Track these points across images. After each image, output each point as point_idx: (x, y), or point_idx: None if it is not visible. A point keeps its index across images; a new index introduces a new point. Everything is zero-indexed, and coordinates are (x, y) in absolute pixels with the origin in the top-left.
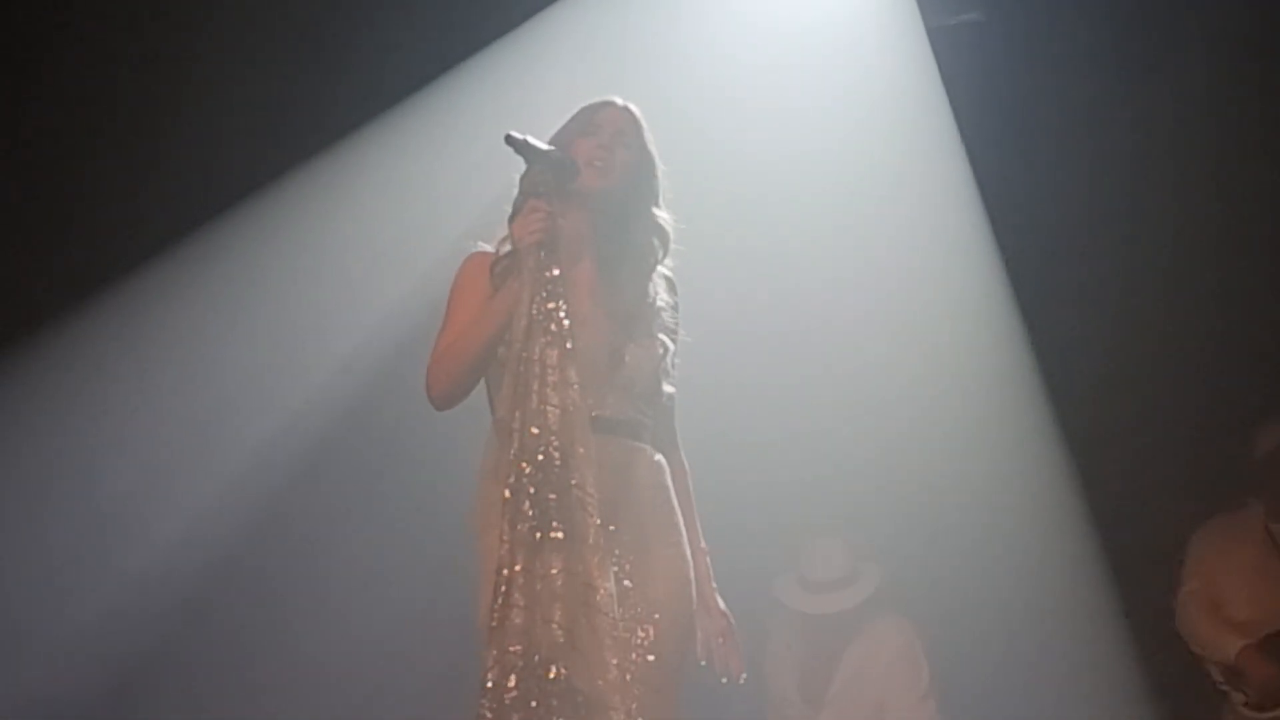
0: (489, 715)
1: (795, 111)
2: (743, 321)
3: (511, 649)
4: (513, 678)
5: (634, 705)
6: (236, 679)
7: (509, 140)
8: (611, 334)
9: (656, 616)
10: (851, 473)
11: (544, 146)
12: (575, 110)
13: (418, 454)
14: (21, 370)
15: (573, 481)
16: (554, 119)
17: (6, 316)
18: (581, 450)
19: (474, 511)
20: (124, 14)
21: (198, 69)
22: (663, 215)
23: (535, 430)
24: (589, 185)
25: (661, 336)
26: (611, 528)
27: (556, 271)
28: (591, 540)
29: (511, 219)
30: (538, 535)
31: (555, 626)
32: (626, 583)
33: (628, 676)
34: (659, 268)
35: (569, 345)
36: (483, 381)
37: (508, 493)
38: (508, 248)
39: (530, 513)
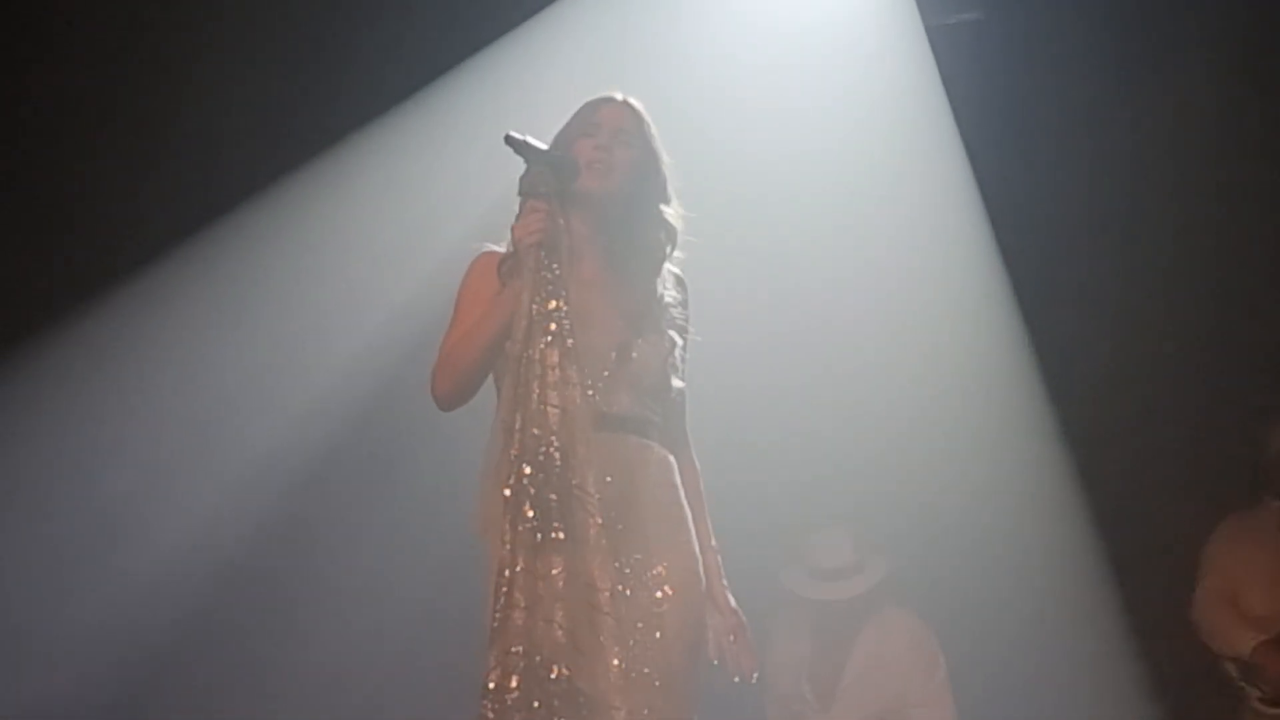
0: (491, 716)
1: (794, 110)
2: (743, 321)
3: (513, 650)
4: (514, 678)
5: (638, 705)
6: (239, 680)
7: (508, 140)
8: (619, 330)
9: (665, 615)
10: (853, 472)
11: (543, 147)
12: (577, 108)
13: (422, 455)
14: (23, 372)
15: (574, 482)
16: (554, 119)
17: (9, 317)
18: (582, 450)
19: (476, 513)
20: (126, 14)
21: (198, 69)
22: (670, 211)
23: (536, 430)
24: (589, 188)
25: (670, 333)
26: (619, 526)
27: (556, 271)
28: (593, 540)
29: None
30: (539, 536)
31: (557, 627)
32: (632, 582)
33: (633, 676)
34: (668, 264)
35: (569, 344)
36: (491, 382)
37: (508, 493)
38: None
39: (531, 513)
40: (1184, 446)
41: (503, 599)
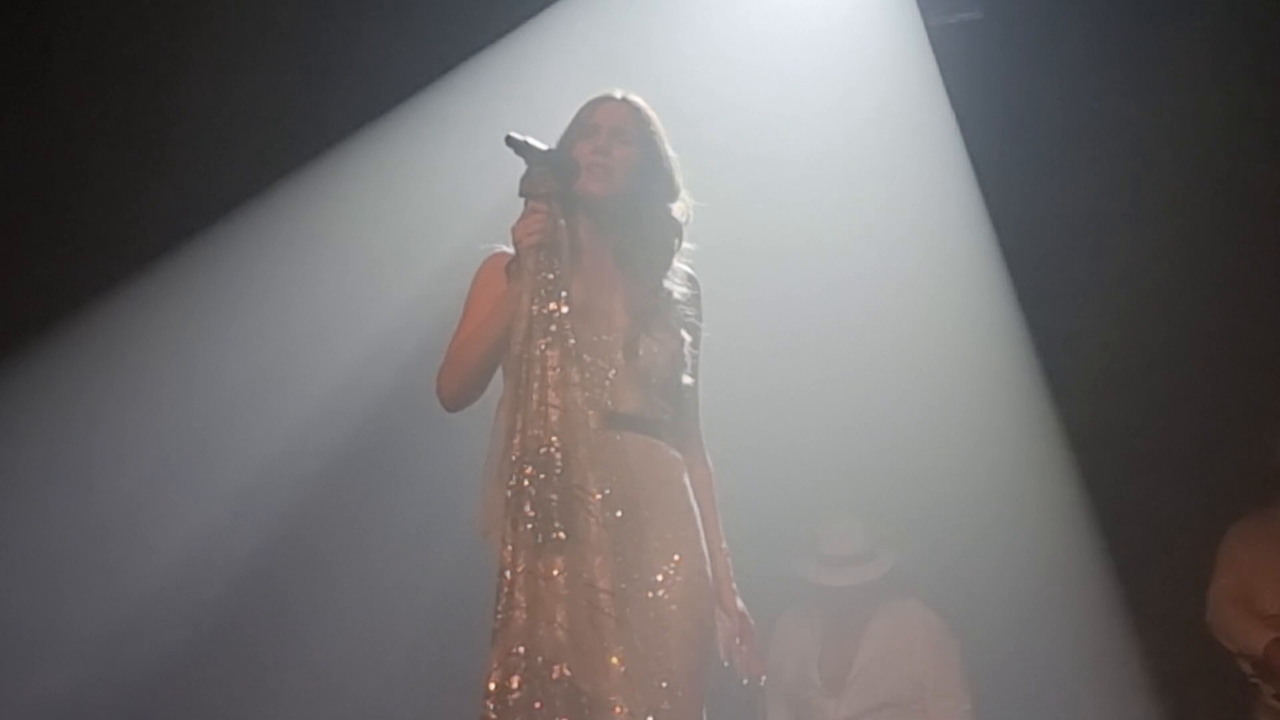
0: (493, 716)
1: (794, 110)
2: (745, 320)
3: (514, 650)
4: (516, 679)
5: (641, 706)
6: (242, 683)
7: (509, 141)
8: (626, 328)
9: (669, 616)
10: (858, 472)
11: (543, 147)
12: (578, 108)
13: (426, 457)
14: (24, 375)
15: (574, 482)
16: (554, 120)
17: (12, 320)
18: (584, 451)
19: (478, 515)
20: (126, 17)
21: (198, 71)
22: (677, 206)
23: (536, 431)
24: (590, 191)
25: (679, 329)
26: (622, 526)
27: (557, 272)
28: (594, 541)
29: None
30: (539, 537)
31: (558, 627)
32: (635, 582)
33: (636, 677)
34: (679, 260)
35: (570, 345)
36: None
37: (510, 494)
38: None
39: (532, 514)
40: (1187, 445)
41: (504, 600)
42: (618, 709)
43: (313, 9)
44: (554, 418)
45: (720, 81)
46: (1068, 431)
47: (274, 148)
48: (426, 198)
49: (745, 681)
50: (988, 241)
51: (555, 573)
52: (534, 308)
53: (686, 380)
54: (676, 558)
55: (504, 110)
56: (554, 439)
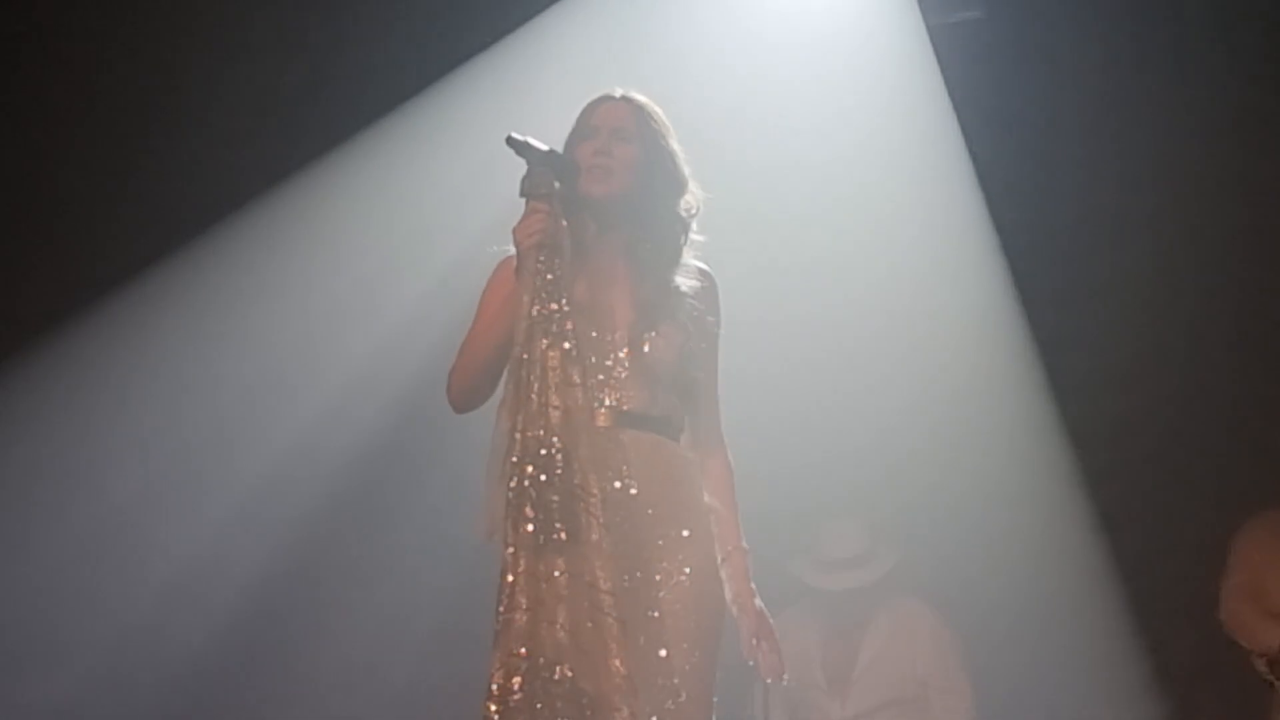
0: (496, 717)
1: (795, 109)
2: (746, 320)
3: (516, 651)
4: (517, 680)
5: (643, 707)
6: (249, 684)
7: (510, 142)
8: (630, 324)
9: (673, 616)
10: (863, 472)
11: (544, 147)
12: (579, 110)
13: (430, 458)
14: (26, 376)
15: (575, 482)
16: (553, 121)
17: (24, 319)
18: (585, 451)
19: (481, 516)
20: (125, 17)
21: (199, 73)
22: (684, 200)
23: (537, 432)
24: (591, 193)
25: (686, 324)
26: (624, 526)
27: (558, 272)
28: (595, 541)
29: None
30: (540, 537)
31: (559, 628)
32: (639, 582)
33: (638, 678)
34: (690, 256)
35: (571, 345)
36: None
37: (510, 495)
38: None
39: (533, 515)
40: (1190, 445)
41: (505, 601)
42: (620, 710)
43: (315, 10)
44: (555, 418)
45: (719, 82)
46: (1071, 430)
47: (275, 149)
48: (428, 199)
49: (769, 681)
50: (989, 240)
51: (556, 573)
52: (535, 308)
53: (697, 375)
54: (681, 557)
55: (506, 111)
56: (555, 439)
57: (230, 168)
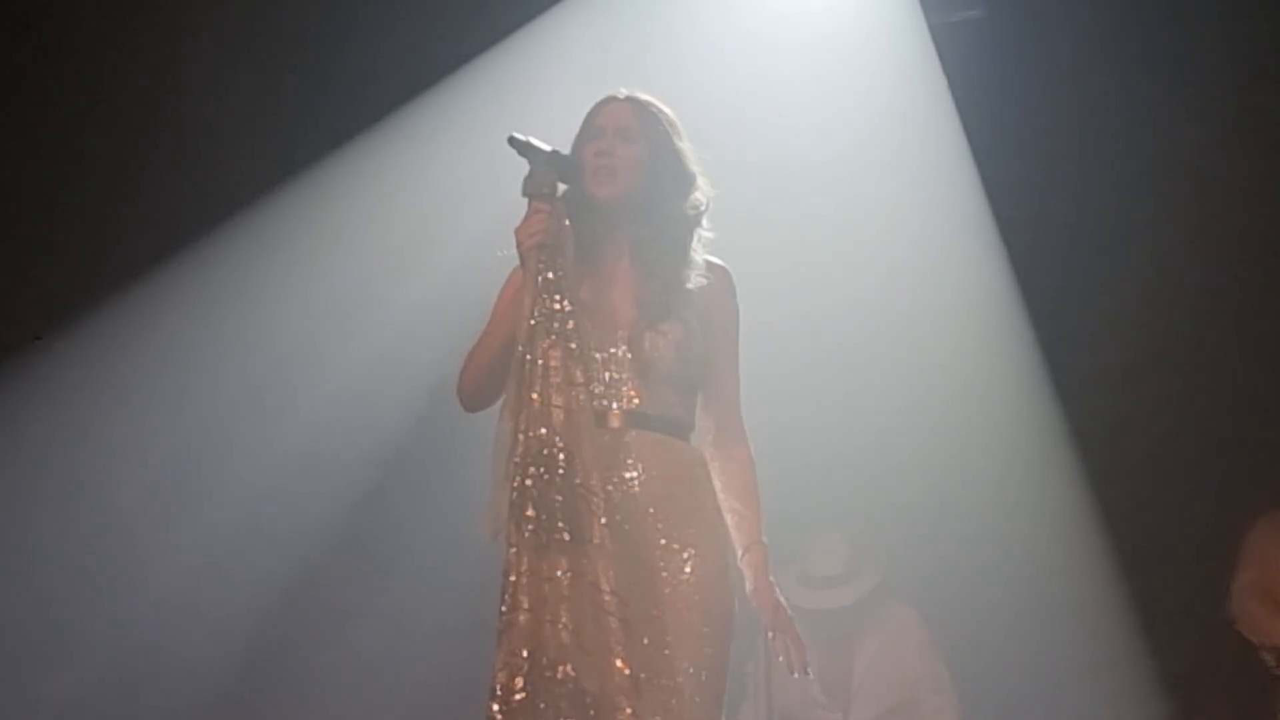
0: (499, 718)
1: (797, 108)
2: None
3: (518, 651)
4: (519, 680)
5: (646, 707)
6: (248, 686)
7: (511, 142)
8: (631, 323)
9: (678, 616)
10: (865, 472)
11: (546, 147)
12: (579, 110)
13: (433, 458)
14: (28, 378)
15: (577, 481)
16: (555, 121)
17: (36, 317)
18: (588, 451)
19: (486, 517)
20: (124, 18)
21: (207, 69)
22: (692, 198)
23: (539, 432)
24: (596, 195)
25: (693, 321)
26: (625, 526)
27: (560, 272)
28: (598, 541)
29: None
30: (543, 537)
31: (562, 628)
32: (641, 582)
33: (642, 677)
34: (699, 252)
35: (573, 345)
36: None
37: (514, 495)
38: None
39: (535, 515)
40: (1191, 444)
41: (508, 601)
42: (623, 710)
43: (317, 10)
44: (557, 418)
45: (720, 82)
46: (1073, 429)
47: (278, 149)
48: (431, 198)
49: (796, 675)
50: (990, 238)
51: (559, 573)
52: (536, 308)
53: (699, 373)
54: (686, 556)
55: (507, 111)
56: (558, 439)
57: (233, 169)
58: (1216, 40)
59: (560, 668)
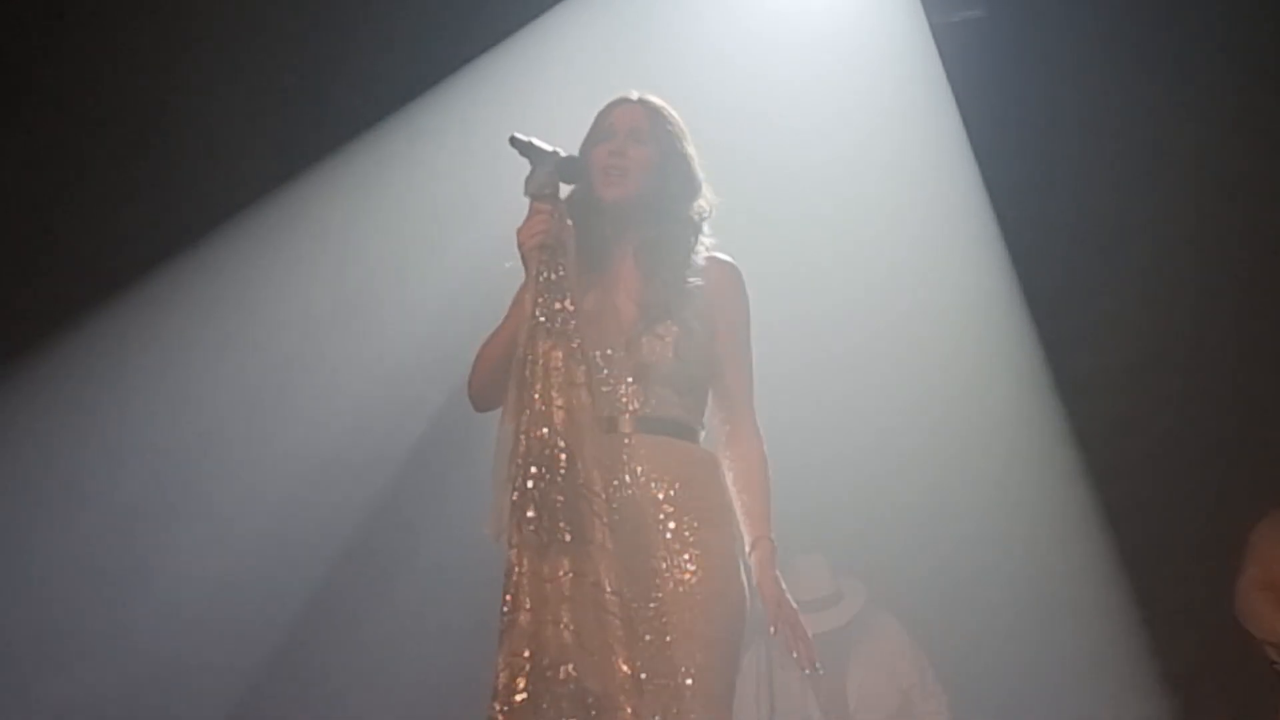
0: (500, 718)
1: (799, 107)
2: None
3: (519, 652)
4: (521, 680)
5: (648, 707)
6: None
7: (513, 142)
8: (631, 325)
9: (680, 615)
10: (863, 470)
11: (547, 147)
12: (578, 111)
13: (437, 458)
14: (31, 379)
15: (579, 482)
16: (556, 122)
17: (19, 322)
18: (590, 451)
19: (490, 517)
20: (124, 19)
21: (209, 70)
22: (697, 204)
23: (540, 432)
24: (606, 196)
25: (693, 321)
26: (627, 526)
27: (561, 273)
28: (599, 541)
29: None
30: (545, 538)
31: (564, 629)
32: (642, 582)
33: (644, 677)
34: (705, 253)
35: (574, 345)
36: None
37: (515, 496)
38: None
39: (537, 515)
40: (1191, 444)
41: (509, 601)
42: (625, 709)
43: (318, 11)
44: (559, 418)
45: (721, 82)
46: (1074, 428)
47: (280, 151)
48: (432, 198)
49: (806, 672)
50: (992, 237)
51: (561, 574)
52: (538, 309)
53: (699, 373)
54: (689, 556)
55: (509, 112)
56: (559, 440)
57: (234, 169)
58: (1216, 40)
59: (562, 668)
